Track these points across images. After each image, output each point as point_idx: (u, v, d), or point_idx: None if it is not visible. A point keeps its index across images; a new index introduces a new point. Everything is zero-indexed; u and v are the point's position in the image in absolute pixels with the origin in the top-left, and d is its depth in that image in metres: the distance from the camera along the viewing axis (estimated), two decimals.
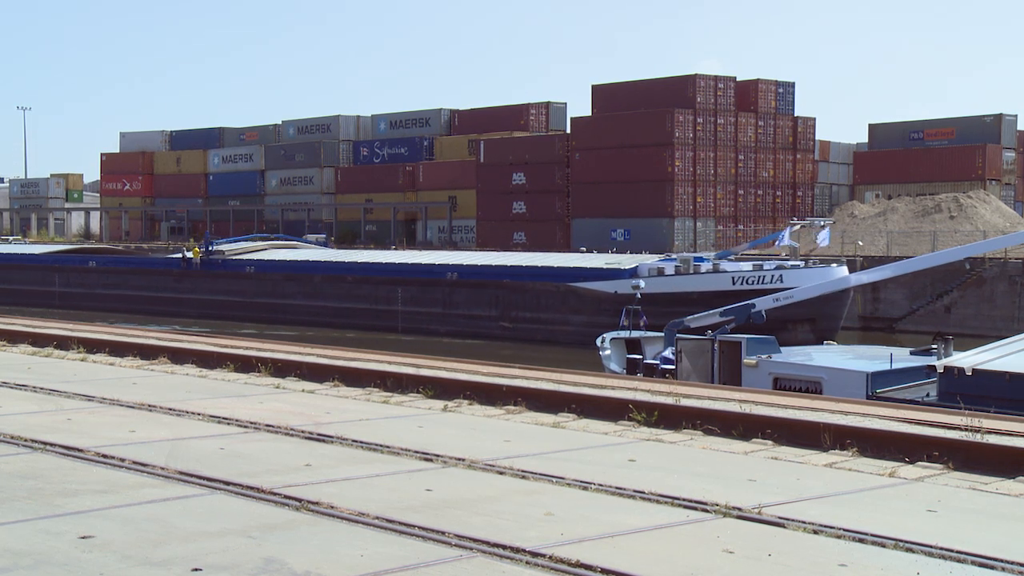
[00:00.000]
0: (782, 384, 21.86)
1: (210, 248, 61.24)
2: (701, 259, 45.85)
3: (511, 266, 49.96)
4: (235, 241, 66.03)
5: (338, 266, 56.11)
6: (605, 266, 46.03)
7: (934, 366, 19.47)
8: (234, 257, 60.95)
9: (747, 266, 43.48)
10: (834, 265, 43.24)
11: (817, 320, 40.58)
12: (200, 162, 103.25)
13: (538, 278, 47.36)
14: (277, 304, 55.76)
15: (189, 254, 61.53)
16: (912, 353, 23.61)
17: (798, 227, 44.68)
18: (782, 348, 24.02)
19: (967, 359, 19.34)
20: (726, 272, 42.51)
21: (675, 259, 46.08)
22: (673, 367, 24.60)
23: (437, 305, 50.09)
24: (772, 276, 40.74)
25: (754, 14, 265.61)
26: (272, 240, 67.75)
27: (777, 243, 44.31)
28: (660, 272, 43.86)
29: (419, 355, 18.34)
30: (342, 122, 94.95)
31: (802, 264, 43.50)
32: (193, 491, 8.72)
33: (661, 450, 10.86)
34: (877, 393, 20.16)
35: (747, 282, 40.72)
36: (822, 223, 43.66)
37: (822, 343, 30.40)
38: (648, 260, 46.82)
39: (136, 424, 11.76)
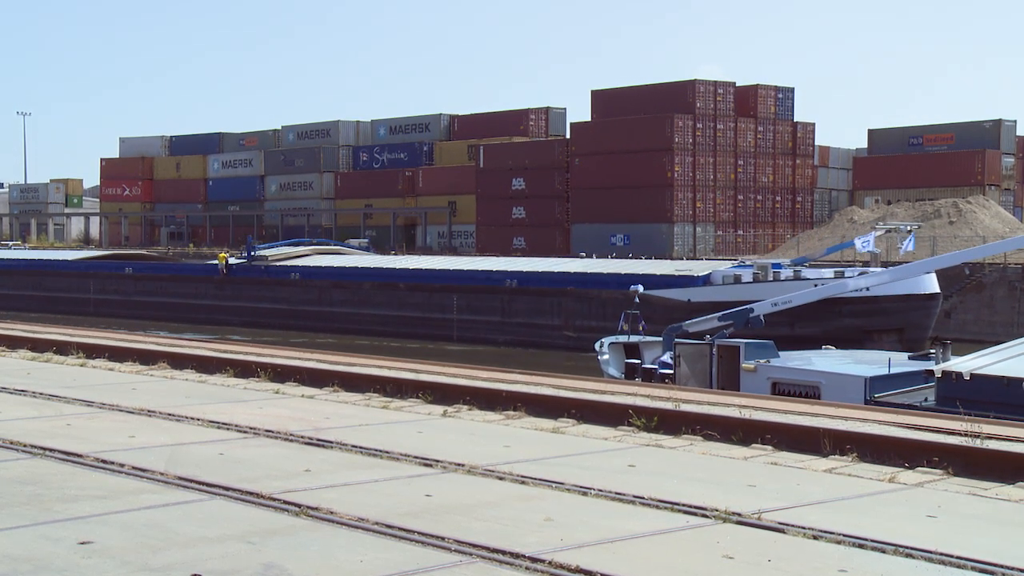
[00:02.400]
0: (780, 389, 21.82)
1: (252, 254, 59.16)
2: (779, 266, 44.11)
3: (575, 273, 48.45)
4: (277, 246, 64.04)
5: (389, 273, 54.32)
6: (676, 273, 44.52)
7: (932, 371, 19.46)
8: (277, 263, 58.77)
9: (828, 273, 41.58)
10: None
11: (905, 329, 39.27)
12: (200, 167, 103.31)
13: (604, 286, 45.80)
14: (324, 312, 53.92)
15: (232, 260, 59.10)
16: (910, 358, 23.59)
17: (882, 232, 43.61)
18: (780, 353, 24.01)
19: (965, 364, 19.33)
20: (808, 279, 40.09)
21: (751, 265, 44.63)
22: (671, 372, 24.58)
23: (495, 313, 48.46)
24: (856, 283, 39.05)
25: (754, 20, 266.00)
26: (315, 245, 65.53)
27: (861, 249, 42.97)
28: (736, 279, 42.32)
29: (418, 360, 18.33)
30: (342, 127, 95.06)
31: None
32: (192, 496, 8.71)
33: (661, 455, 10.85)
34: (875, 398, 20.13)
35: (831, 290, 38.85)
36: (908, 228, 42.31)
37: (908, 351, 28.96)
38: (721, 267, 45.31)
39: (135, 429, 11.74)
